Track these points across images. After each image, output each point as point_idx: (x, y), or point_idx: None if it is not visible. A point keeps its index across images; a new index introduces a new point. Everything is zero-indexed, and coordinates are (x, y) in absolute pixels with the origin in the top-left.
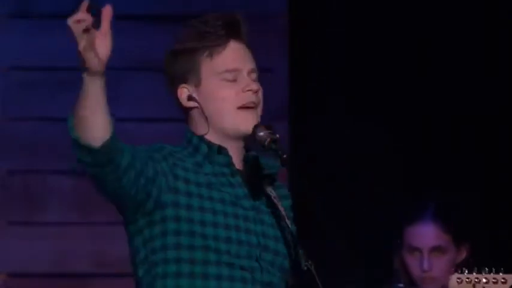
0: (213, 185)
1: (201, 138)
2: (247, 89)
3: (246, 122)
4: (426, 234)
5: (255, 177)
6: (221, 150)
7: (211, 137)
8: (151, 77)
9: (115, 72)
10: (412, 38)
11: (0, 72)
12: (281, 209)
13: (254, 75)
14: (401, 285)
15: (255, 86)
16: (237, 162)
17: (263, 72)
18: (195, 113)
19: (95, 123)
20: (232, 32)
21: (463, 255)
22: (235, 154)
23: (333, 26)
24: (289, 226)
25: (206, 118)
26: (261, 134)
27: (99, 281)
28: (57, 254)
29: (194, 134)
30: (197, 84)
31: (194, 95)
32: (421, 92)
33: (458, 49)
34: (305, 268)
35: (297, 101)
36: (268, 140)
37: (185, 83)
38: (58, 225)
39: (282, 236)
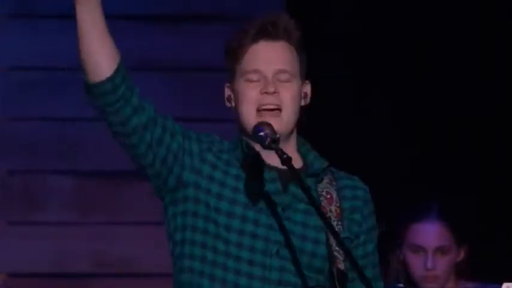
0: (243, 178)
1: (239, 136)
2: (264, 91)
3: None
4: (431, 233)
5: (295, 174)
6: (254, 153)
7: (246, 137)
8: (151, 77)
9: None
10: (410, 40)
11: (0, 72)
12: (330, 208)
13: (283, 76)
14: (401, 285)
15: (271, 87)
16: (274, 159)
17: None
18: (235, 115)
19: (95, 55)
20: (264, 31)
21: (462, 255)
22: (268, 151)
23: (332, 27)
24: (334, 227)
25: (239, 120)
26: (262, 133)
27: (99, 281)
28: (57, 254)
29: (238, 134)
30: (233, 85)
31: (231, 95)
32: (419, 94)
33: (456, 51)
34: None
35: None
36: (268, 139)
37: (230, 82)
38: (58, 225)
39: (314, 236)
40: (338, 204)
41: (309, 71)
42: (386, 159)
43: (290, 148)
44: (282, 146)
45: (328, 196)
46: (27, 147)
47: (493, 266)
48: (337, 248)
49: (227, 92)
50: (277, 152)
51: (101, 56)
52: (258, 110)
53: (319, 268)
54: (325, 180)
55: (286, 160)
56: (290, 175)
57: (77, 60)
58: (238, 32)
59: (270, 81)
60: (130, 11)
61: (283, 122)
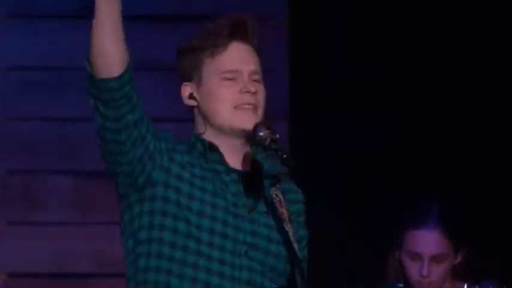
0: (208, 179)
1: (197, 136)
2: (244, 90)
3: (242, 120)
4: (429, 241)
5: (255, 177)
6: (212, 147)
7: (209, 136)
8: (151, 77)
9: None
10: (412, 37)
11: (0, 72)
12: (282, 211)
13: (256, 77)
14: (401, 285)
15: (252, 87)
16: (236, 161)
17: (263, 73)
18: (195, 112)
19: (109, 51)
20: (236, 32)
21: (459, 259)
22: (233, 152)
23: (333, 26)
24: (288, 229)
25: (204, 117)
26: (261, 134)
27: (99, 281)
28: (57, 254)
29: (194, 133)
30: (198, 84)
31: (195, 93)
32: (422, 92)
33: (459, 49)
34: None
35: (297, 101)
36: (268, 139)
37: (189, 81)
38: (58, 225)
39: (277, 238)
40: (287, 208)
41: (312, 69)
42: (389, 157)
43: (246, 149)
44: (241, 142)
45: (278, 199)
46: (27, 147)
47: (494, 265)
48: (296, 248)
49: (187, 90)
50: (277, 152)
51: (113, 53)
52: (236, 107)
53: (281, 270)
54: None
55: (286, 161)
56: (247, 176)
57: (88, 52)
58: (203, 32)
59: (248, 81)
60: (130, 11)
61: (259, 118)
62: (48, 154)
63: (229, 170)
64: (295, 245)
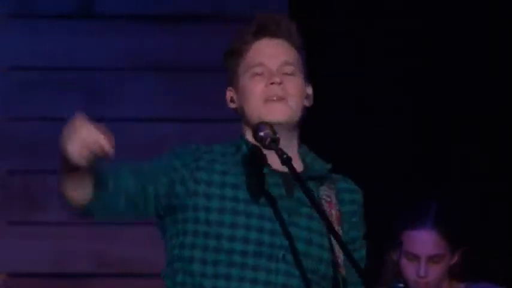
0: (243, 185)
1: (243, 137)
2: (270, 82)
3: (270, 112)
4: (425, 242)
5: (299, 178)
6: (256, 148)
7: (252, 138)
8: (151, 77)
9: (115, 72)
10: (412, 38)
11: (0, 72)
12: (331, 212)
13: (287, 69)
14: (401, 285)
15: (277, 78)
16: (277, 162)
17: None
18: (239, 113)
19: (75, 195)
20: (265, 29)
21: (456, 259)
22: (274, 155)
23: (333, 26)
24: (332, 231)
25: (242, 117)
26: (262, 133)
27: (99, 281)
28: (57, 254)
29: (241, 134)
30: (236, 86)
31: (234, 96)
32: (421, 92)
33: (459, 49)
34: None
35: None
36: (269, 139)
37: (231, 85)
38: (58, 225)
39: (320, 241)
40: (338, 208)
41: (311, 68)
42: (389, 157)
43: (292, 149)
44: (285, 144)
45: (329, 199)
46: (27, 147)
47: (493, 266)
48: (338, 254)
49: (229, 94)
50: (277, 152)
51: (77, 195)
52: (265, 101)
53: (323, 273)
54: (325, 184)
55: (286, 160)
56: (293, 178)
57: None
58: (239, 33)
59: (276, 73)
60: (130, 11)
61: (292, 109)
62: (48, 154)
63: (272, 172)
64: (339, 248)
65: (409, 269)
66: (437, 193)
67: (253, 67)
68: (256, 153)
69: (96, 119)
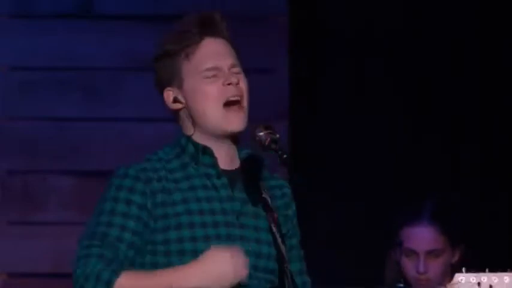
0: (193, 195)
1: (189, 138)
2: (227, 82)
3: (233, 121)
4: (423, 237)
5: (245, 178)
6: (206, 150)
7: (198, 138)
8: (151, 77)
9: (115, 72)
10: (413, 38)
11: (0, 72)
12: (272, 211)
13: (236, 69)
14: (401, 285)
15: (234, 78)
16: (226, 162)
17: (263, 72)
18: (182, 114)
19: None
20: (206, 29)
21: (457, 256)
22: (223, 154)
23: (333, 25)
24: (275, 227)
25: (192, 118)
26: (261, 134)
27: None
28: (57, 254)
29: (183, 135)
30: (180, 86)
31: (179, 96)
32: (421, 93)
33: (458, 49)
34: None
35: (297, 101)
36: (268, 139)
37: (169, 85)
38: (58, 225)
39: (267, 238)
40: (274, 204)
41: (312, 69)
42: (389, 157)
43: (234, 147)
44: (230, 143)
45: (266, 198)
46: (27, 147)
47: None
48: (283, 248)
49: (170, 95)
50: (277, 152)
51: None
52: (225, 104)
53: (272, 269)
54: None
55: (286, 161)
56: (236, 177)
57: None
58: (172, 35)
59: (229, 73)
60: (130, 11)
61: (246, 114)
62: (48, 154)
63: (220, 174)
64: (280, 242)
65: (409, 266)
66: (430, 197)
67: (205, 70)
68: (204, 152)
69: (96, 119)
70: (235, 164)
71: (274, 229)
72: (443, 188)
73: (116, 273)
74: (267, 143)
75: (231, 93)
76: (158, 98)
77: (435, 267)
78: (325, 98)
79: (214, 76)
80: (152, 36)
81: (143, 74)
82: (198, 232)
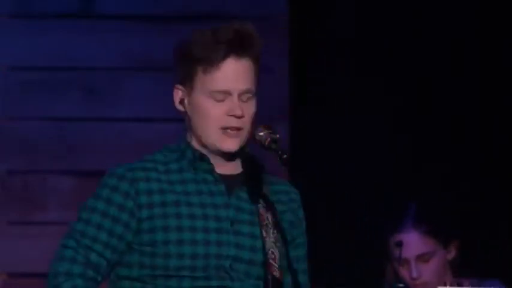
0: (185, 199)
1: (188, 144)
2: (231, 113)
3: (227, 144)
4: (410, 243)
5: (244, 184)
6: (203, 157)
7: (197, 145)
8: (151, 77)
9: (115, 72)
10: (413, 38)
11: (0, 72)
12: (266, 216)
13: (246, 96)
14: (401, 285)
15: (238, 110)
16: (226, 168)
17: (263, 72)
18: (186, 118)
19: None
20: (233, 47)
21: (453, 253)
22: (222, 161)
23: (334, 25)
24: (269, 234)
25: (191, 129)
26: (261, 134)
27: None
28: None
29: (184, 140)
30: (189, 92)
31: (186, 100)
32: (421, 93)
33: (458, 49)
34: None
35: (297, 101)
36: (268, 140)
37: (181, 85)
38: (58, 225)
39: (262, 246)
40: (274, 211)
41: (312, 69)
42: (389, 157)
43: (238, 158)
44: (233, 157)
45: (265, 204)
46: (27, 147)
47: (487, 261)
48: (273, 255)
49: (178, 94)
50: (277, 153)
51: None
52: (223, 129)
53: (260, 276)
54: (263, 189)
55: (286, 161)
56: (235, 183)
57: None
58: (201, 40)
59: (237, 103)
60: (130, 11)
61: (241, 142)
62: (48, 154)
63: (218, 180)
64: (273, 252)
65: (403, 273)
66: (413, 200)
67: (215, 92)
68: (201, 159)
69: (96, 119)
70: (237, 169)
71: (264, 234)
72: (443, 188)
73: None
74: (267, 143)
75: (231, 124)
76: (158, 98)
77: (428, 270)
78: (325, 98)
79: (221, 101)
80: (152, 36)
81: (143, 74)
82: (186, 236)
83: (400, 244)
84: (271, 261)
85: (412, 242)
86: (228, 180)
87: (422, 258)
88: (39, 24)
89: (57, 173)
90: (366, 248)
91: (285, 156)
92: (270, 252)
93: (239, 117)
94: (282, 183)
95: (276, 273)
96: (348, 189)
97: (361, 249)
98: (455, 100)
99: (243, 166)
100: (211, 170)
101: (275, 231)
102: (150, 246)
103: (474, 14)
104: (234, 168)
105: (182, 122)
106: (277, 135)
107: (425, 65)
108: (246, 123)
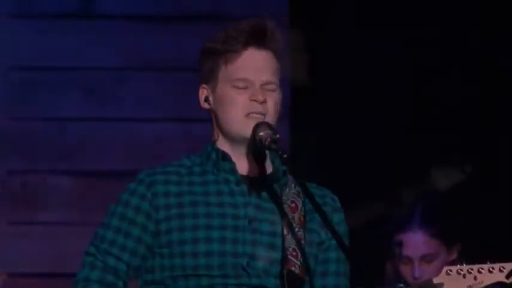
0: (200, 201)
1: (213, 145)
2: (253, 98)
3: (250, 128)
4: (415, 243)
5: (266, 184)
6: (225, 156)
7: (222, 144)
8: (151, 77)
9: (115, 72)
10: (412, 38)
11: (0, 72)
12: (293, 216)
13: (269, 86)
14: (401, 285)
15: (261, 96)
16: (247, 168)
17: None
18: (212, 115)
19: None
20: (254, 39)
21: (454, 255)
22: (246, 160)
23: (333, 25)
24: (293, 234)
25: (217, 122)
26: (261, 133)
27: None
28: (57, 254)
29: (211, 142)
30: (214, 88)
31: (210, 97)
32: (421, 93)
33: (458, 49)
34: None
35: (297, 101)
36: (269, 139)
37: (206, 83)
38: (58, 225)
39: (281, 244)
40: (302, 213)
41: (312, 69)
42: (389, 157)
43: (265, 159)
44: (259, 157)
45: (293, 205)
46: (27, 147)
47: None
48: (293, 253)
49: (203, 93)
50: (277, 152)
51: None
52: (246, 115)
53: (277, 273)
54: (292, 191)
55: (286, 161)
56: (258, 183)
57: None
58: (223, 35)
59: (259, 90)
60: (130, 11)
61: None
62: (48, 154)
63: (239, 180)
64: (295, 250)
65: (405, 273)
66: (420, 201)
67: (237, 80)
68: (224, 158)
69: (96, 119)
70: (264, 170)
71: (285, 232)
72: (445, 190)
73: None
74: (267, 143)
75: (254, 109)
76: (158, 98)
77: (430, 271)
78: (325, 98)
79: (244, 88)
80: (152, 36)
81: (143, 73)
82: (201, 234)
83: (401, 243)
84: (290, 257)
85: (418, 242)
86: (251, 180)
87: (426, 259)
88: (39, 24)
89: (57, 173)
90: (366, 248)
91: (285, 156)
92: (290, 249)
93: (261, 103)
94: (317, 188)
95: (295, 269)
96: (348, 189)
97: (361, 248)
98: (455, 100)
99: (273, 168)
100: (232, 170)
101: (301, 230)
102: (167, 248)
103: (474, 14)
104: (260, 169)
105: (182, 122)
106: (278, 135)
107: (425, 65)
108: (269, 110)
